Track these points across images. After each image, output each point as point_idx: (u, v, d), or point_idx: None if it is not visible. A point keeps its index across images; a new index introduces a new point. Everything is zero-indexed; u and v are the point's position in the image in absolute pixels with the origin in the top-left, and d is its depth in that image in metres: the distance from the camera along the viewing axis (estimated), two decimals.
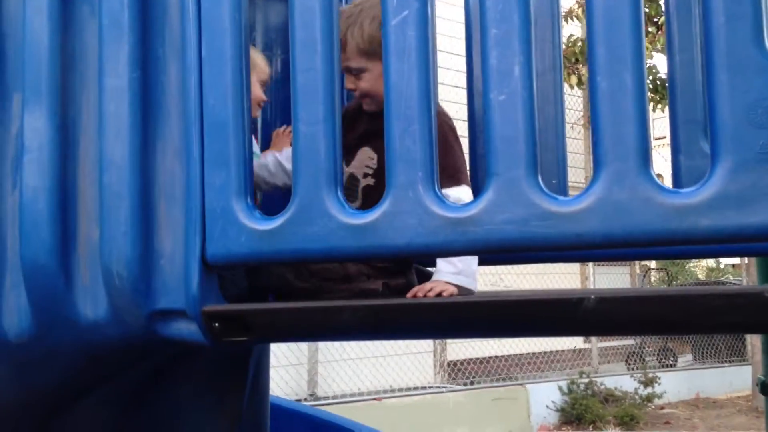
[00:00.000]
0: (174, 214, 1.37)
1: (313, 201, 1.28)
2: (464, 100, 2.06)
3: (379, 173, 1.63)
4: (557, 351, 10.68)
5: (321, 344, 8.03)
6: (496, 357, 9.92)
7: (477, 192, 1.28)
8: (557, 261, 1.82)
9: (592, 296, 1.18)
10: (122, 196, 1.37)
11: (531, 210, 1.17)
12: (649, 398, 9.44)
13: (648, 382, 9.50)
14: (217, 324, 1.31)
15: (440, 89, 1.68)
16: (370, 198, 1.66)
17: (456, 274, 1.54)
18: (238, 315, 1.33)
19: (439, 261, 1.55)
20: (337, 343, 8.15)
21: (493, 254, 1.23)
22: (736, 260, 14.02)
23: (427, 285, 1.54)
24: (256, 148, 1.97)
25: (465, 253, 1.21)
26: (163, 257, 1.35)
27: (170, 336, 1.36)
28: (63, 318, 1.37)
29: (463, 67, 2.05)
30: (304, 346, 7.90)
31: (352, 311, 1.33)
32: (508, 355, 10.07)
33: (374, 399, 7.76)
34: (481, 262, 1.70)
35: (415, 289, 1.53)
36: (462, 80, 2.29)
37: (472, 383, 9.18)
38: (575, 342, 11.08)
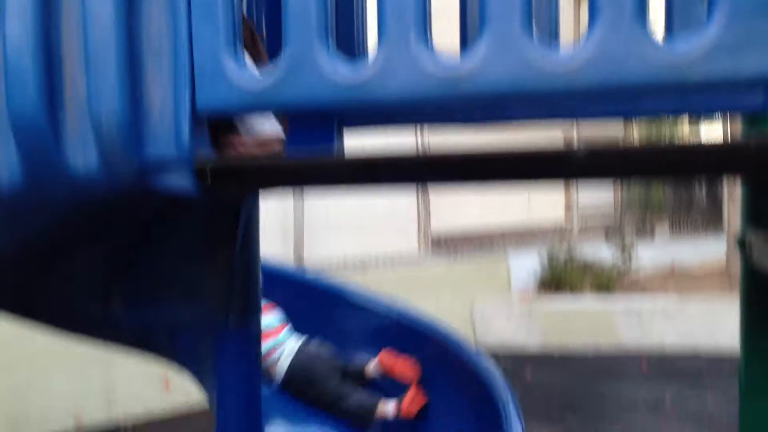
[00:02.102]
0: (163, 68, 1.35)
1: (305, 56, 1.27)
2: None
3: None
4: (538, 227, 10.91)
5: (306, 221, 8.15)
6: (479, 230, 10.13)
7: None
8: (548, 117, 1.82)
9: (583, 146, 1.20)
10: (109, 50, 1.34)
11: (524, 62, 1.16)
12: (626, 268, 9.77)
13: (625, 249, 9.82)
14: (209, 174, 1.32)
15: None
16: None
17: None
18: (230, 164, 1.33)
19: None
20: (322, 215, 8.27)
21: (485, 106, 1.23)
22: None
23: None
24: None
25: (457, 104, 1.21)
26: (154, 108, 1.34)
27: (162, 187, 1.37)
28: (54, 169, 1.37)
29: None
30: (290, 226, 8.02)
31: (344, 163, 1.34)
32: (491, 229, 10.28)
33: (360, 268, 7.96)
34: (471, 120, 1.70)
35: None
36: None
37: (455, 254, 9.42)
38: (556, 219, 11.29)
